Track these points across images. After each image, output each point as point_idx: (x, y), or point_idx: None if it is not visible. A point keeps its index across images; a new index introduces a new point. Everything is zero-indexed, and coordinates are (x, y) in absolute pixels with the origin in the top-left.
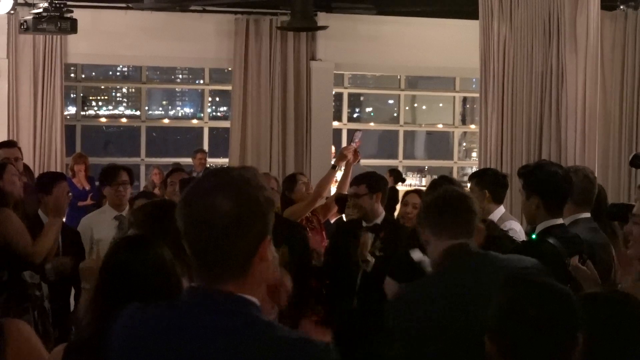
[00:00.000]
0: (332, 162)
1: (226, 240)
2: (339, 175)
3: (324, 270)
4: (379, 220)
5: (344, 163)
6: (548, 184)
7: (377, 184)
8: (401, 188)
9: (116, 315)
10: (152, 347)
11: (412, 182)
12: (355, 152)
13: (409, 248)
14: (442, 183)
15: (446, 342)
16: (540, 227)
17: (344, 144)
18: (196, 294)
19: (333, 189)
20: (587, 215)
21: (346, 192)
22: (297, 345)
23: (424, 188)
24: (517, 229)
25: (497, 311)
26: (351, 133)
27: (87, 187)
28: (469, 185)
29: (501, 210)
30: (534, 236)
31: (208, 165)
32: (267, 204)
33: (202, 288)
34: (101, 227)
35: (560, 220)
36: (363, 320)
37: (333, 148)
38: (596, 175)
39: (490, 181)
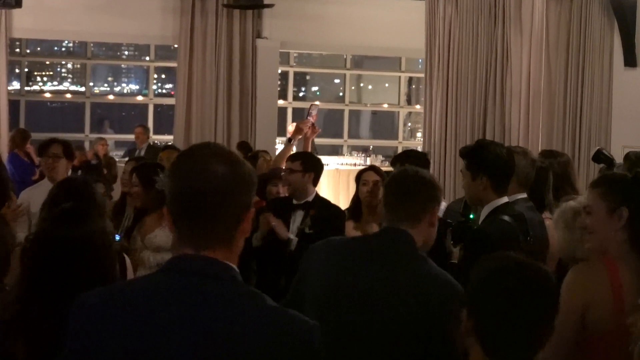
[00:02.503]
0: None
1: (217, 205)
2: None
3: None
4: (309, 198)
5: (300, 137)
6: (496, 164)
7: (312, 164)
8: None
9: (77, 301)
10: (138, 313)
11: (357, 161)
12: (313, 126)
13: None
14: (407, 158)
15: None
16: (488, 207)
17: (289, 122)
18: (183, 260)
19: None
20: (525, 195)
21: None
22: (288, 316)
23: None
24: (441, 207)
25: (475, 284)
26: (298, 113)
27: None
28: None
29: None
30: (472, 216)
31: (151, 143)
32: (254, 178)
33: (189, 255)
34: (39, 200)
35: (505, 199)
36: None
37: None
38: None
39: (414, 161)
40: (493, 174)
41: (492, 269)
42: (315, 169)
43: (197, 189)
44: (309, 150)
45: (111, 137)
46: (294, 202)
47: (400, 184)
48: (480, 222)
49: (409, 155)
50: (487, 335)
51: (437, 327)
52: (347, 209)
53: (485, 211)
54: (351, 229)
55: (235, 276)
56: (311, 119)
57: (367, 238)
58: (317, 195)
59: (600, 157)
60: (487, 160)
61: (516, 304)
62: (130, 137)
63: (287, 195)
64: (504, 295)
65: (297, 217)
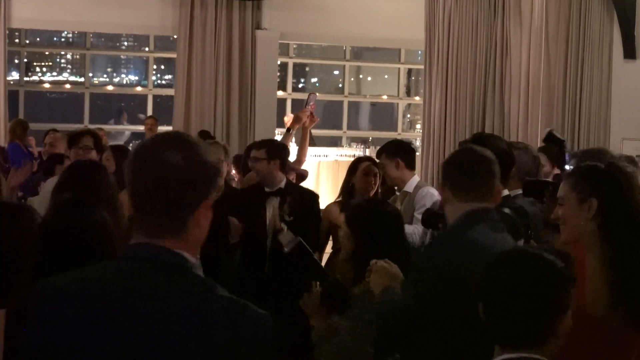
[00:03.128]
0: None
1: (169, 192)
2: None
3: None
4: (282, 185)
5: (299, 126)
6: (499, 157)
7: (276, 151)
8: (344, 159)
9: (41, 288)
10: (90, 302)
11: (356, 152)
12: (312, 115)
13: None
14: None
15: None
16: (512, 194)
17: (289, 113)
18: (134, 248)
19: None
20: (520, 191)
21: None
22: (239, 306)
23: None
24: (435, 194)
25: (484, 276)
26: (297, 104)
27: (36, 152)
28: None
29: (416, 178)
30: None
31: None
32: (214, 169)
33: (141, 243)
34: None
35: (506, 192)
36: (275, 286)
37: (287, 118)
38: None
39: (400, 149)
40: (518, 165)
41: (492, 260)
42: (280, 156)
43: (149, 178)
44: (307, 140)
45: (125, 128)
46: (266, 189)
47: (474, 163)
48: None
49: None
50: (495, 326)
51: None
52: (338, 200)
53: None
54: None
55: (184, 265)
56: (309, 108)
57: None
58: (288, 181)
59: (552, 138)
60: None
61: (521, 294)
62: (133, 127)
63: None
64: (509, 285)
65: (272, 205)
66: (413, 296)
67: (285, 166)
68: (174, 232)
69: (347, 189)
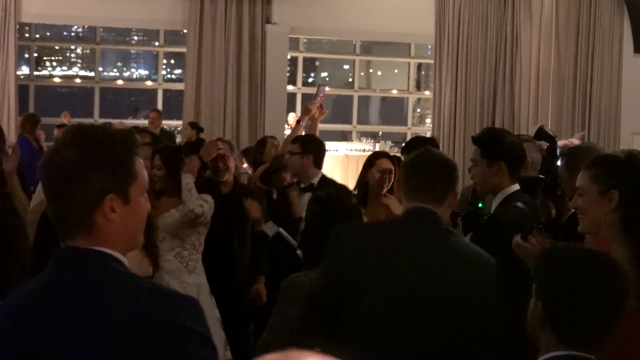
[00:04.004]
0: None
1: (66, 188)
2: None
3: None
4: (314, 181)
5: (308, 118)
6: (511, 149)
7: (311, 146)
8: (354, 153)
9: None
10: (24, 318)
11: (366, 147)
12: (321, 107)
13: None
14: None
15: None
16: (502, 195)
17: (298, 108)
18: (55, 254)
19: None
20: None
21: None
22: (167, 296)
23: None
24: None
25: (549, 276)
26: (307, 98)
27: (45, 147)
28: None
29: None
30: (480, 205)
31: (163, 127)
32: (117, 159)
33: (57, 249)
34: None
35: (517, 186)
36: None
37: (291, 117)
38: None
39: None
40: (509, 159)
41: (566, 260)
42: (314, 151)
43: (49, 178)
44: (317, 132)
45: (134, 122)
46: (301, 185)
47: (426, 164)
48: (493, 210)
49: (419, 142)
50: (563, 324)
51: (479, 300)
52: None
53: (498, 199)
54: None
55: (96, 262)
56: (319, 100)
57: (398, 219)
58: (323, 177)
59: (542, 135)
60: (503, 146)
61: (592, 294)
62: (143, 122)
63: (295, 181)
64: (581, 286)
65: (305, 201)
66: (317, 280)
67: (320, 162)
68: (82, 228)
69: (362, 183)
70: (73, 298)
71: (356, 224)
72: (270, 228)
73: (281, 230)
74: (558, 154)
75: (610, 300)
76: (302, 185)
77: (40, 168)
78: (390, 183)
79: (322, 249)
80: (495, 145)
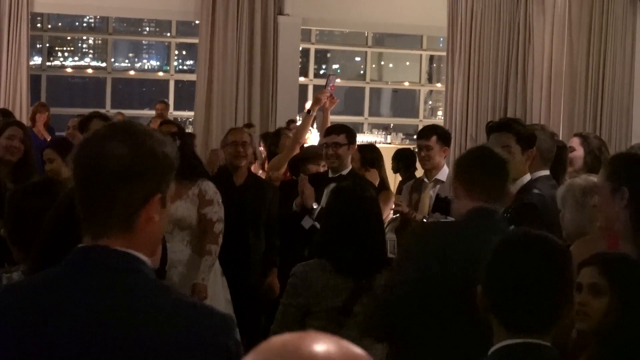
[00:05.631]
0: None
1: (112, 186)
2: None
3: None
4: (344, 172)
5: (318, 108)
6: (526, 139)
7: (354, 137)
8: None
9: None
10: (36, 314)
11: (377, 139)
12: (331, 97)
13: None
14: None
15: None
16: (520, 183)
17: (310, 99)
18: (80, 252)
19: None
20: (547, 172)
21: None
22: (198, 310)
23: (388, 146)
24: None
25: (486, 261)
26: (319, 90)
27: (48, 138)
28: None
29: (446, 167)
30: None
31: (173, 119)
32: (165, 161)
33: (88, 246)
34: None
35: (529, 176)
36: None
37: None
38: (561, 135)
39: (449, 139)
40: (540, 145)
41: (500, 244)
42: (355, 142)
43: (92, 173)
44: (328, 122)
45: (143, 113)
46: (330, 175)
47: (489, 163)
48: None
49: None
50: (504, 311)
51: None
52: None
53: (516, 187)
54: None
55: (133, 267)
56: (329, 90)
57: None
58: (352, 169)
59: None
60: (531, 132)
61: (530, 275)
62: (152, 113)
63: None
64: (516, 267)
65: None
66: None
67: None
68: (122, 228)
69: None
70: (104, 301)
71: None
72: (306, 222)
73: (316, 223)
74: None
75: (552, 281)
76: (331, 176)
77: (81, 164)
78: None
79: (338, 240)
80: (526, 132)
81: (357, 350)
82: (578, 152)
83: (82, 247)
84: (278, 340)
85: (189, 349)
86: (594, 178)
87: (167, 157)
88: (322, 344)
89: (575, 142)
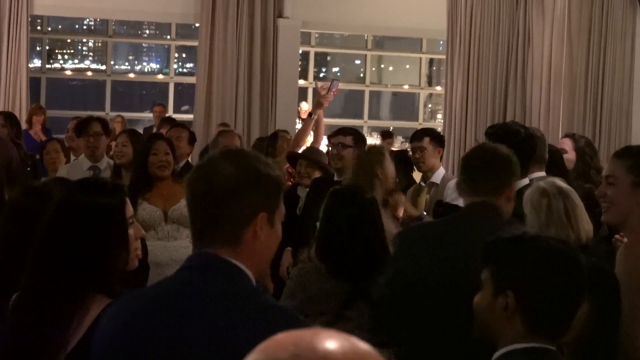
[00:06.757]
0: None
1: (221, 202)
2: None
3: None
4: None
5: (321, 111)
6: (523, 143)
7: (363, 141)
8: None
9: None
10: (154, 317)
11: (377, 142)
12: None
13: None
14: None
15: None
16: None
17: (310, 102)
18: (194, 258)
19: None
20: (543, 173)
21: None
22: (287, 316)
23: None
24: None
25: (523, 266)
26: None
27: (44, 139)
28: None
29: (442, 169)
30: None
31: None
32: (270, 181)
33: (199, 253)
34: (77, 177)
35: (527, 180)
36: None
37: (304, 107)
38: (561, 137)
39: (443, 140)
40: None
41: (538, 250)
42: (363, 144)
43: (202, 191)
44: (322, 127)
45: (143, 115)
46: (335, 179)
47: (482, 158)
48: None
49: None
50: (535, 315)
51: None
52: None
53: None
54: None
55: (237, 276)
56: (332, 95)
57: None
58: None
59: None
60: (523, 141)
61: (565, 284)
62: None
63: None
64: (556, 275)
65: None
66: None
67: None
68: (229, 242)
69: None
70: (210, 305)
71: (417, 226)
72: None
73: None
74: None
75: (578, 290)
76: (336, 179)
77: (194, 183)
78: None
79: (337, 242)
80: (520, 140)
81: (365, 346)
82: (570, 155)
83: (197, 254)
84: (286, 337)
85: None
86: (559, 181)
87: (270, 178)
88: (333, 341)
89: (567, 145)
